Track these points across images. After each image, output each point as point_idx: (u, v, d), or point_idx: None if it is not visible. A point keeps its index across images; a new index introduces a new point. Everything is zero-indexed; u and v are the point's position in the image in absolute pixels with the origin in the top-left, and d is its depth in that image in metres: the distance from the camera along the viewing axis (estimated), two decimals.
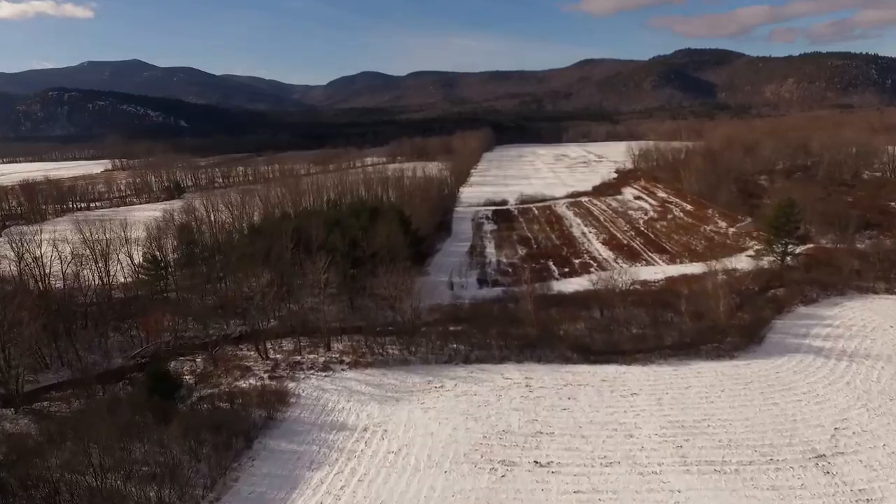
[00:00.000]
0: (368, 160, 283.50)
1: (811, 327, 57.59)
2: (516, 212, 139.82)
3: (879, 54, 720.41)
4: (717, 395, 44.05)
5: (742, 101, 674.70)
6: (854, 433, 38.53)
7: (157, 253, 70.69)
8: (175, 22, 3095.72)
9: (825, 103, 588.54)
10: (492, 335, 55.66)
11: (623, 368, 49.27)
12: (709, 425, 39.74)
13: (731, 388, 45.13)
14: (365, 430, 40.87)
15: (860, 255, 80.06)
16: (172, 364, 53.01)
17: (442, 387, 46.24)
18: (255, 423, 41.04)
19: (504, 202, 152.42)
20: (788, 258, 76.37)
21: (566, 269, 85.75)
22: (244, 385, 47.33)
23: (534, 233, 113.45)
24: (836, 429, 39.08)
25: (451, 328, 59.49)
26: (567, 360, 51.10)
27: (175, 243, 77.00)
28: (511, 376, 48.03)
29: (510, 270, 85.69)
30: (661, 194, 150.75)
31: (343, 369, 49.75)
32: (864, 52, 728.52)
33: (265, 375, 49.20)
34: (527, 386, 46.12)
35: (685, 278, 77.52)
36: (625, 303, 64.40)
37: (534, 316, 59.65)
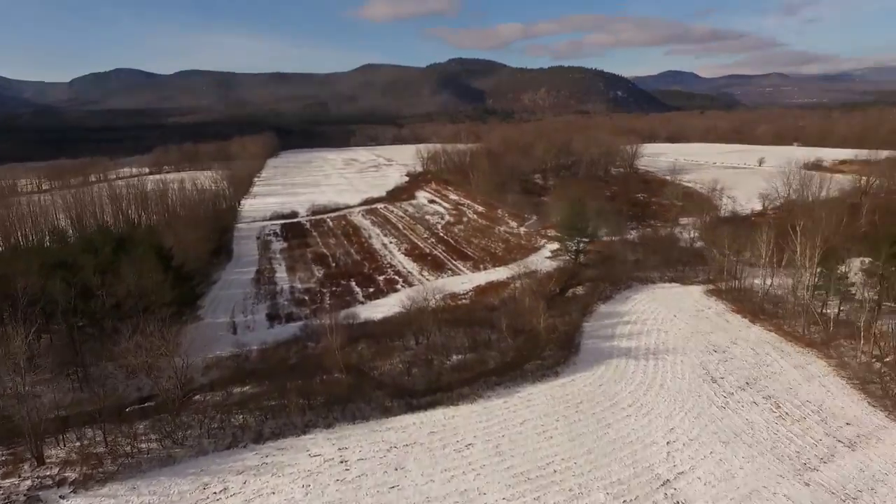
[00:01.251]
0: (126, 171, 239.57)
1: (615, 327, 58.44)
2: (309, 224, 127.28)
3: (604, 70, 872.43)
4: (553, 427, 39.69)
5: (507, 107, 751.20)
6: (684, 444, 37.18)
7: None
8: None
9: (569, 109, 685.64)
10: (291, 393, 44.15)
11: (451, 411, 42.38)
12: (555, 471, 34.73)
13: (565, 413, 41.38)
14: None
15: (633, 247, 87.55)
16: None
17: (224, 491, 33.53)
18: None
19: (294, 214, 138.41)
20: (581, 256, 79.44)
21: (371, 289, 77.38)
22: None
23: (331, 248, 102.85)
24: (668, 443, 37.36)
25: (237, 390, 46.38)
26: (387, 413, 42.37)
27: None
28: (321, 451, 37.47)
29: (307, 298, 74.08)
30: (454, 197, 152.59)
31: (64, 495, 33.43)
32: (593, 68, 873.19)
33: None
34: (342, 462, 36.11)
35: (493, 286, 75.39)
36: (439, 324, 58.47)
37: (341, 358, 49.80)
